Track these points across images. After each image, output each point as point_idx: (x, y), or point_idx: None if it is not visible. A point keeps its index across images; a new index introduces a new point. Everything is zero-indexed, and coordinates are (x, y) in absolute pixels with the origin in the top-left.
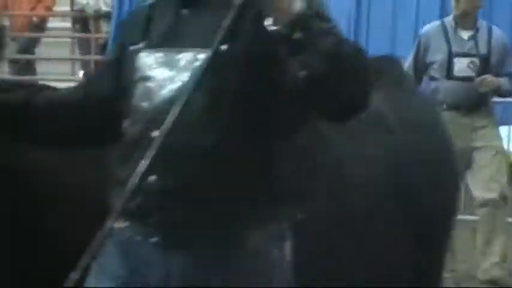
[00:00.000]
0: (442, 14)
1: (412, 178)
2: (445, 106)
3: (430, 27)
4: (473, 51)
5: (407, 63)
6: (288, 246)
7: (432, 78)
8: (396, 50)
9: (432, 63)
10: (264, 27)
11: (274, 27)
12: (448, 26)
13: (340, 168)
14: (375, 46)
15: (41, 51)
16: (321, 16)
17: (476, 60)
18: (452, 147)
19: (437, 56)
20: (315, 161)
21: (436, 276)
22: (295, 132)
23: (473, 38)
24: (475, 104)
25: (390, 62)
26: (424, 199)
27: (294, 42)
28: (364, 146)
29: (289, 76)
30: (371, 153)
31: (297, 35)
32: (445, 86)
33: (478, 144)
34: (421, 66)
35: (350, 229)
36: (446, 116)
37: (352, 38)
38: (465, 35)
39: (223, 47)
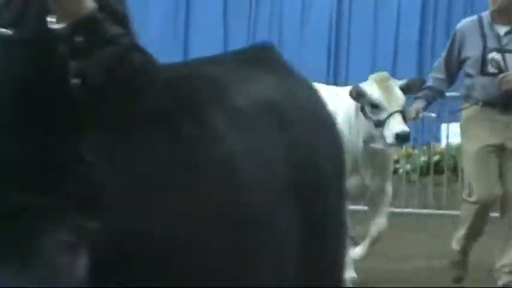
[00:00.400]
0: (423, 11)
1: (306, 170)
2: (480, 103)
3: (466, 22)
4: (509, 47)
5: (440, 59)
6: (81, 257)
7: (467, 75)
8: (377, 48)
9: (467, 59)
10: (45, 24)
11: (57, 26)
12: (485, 21)
13: (228, 164)
14: (356, 46)
15: None
16: (120, 21)
17: (498, 57)
18: (340, 135)
19: (472, 51)
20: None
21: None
22: (91, 133)
23: (510, 33)
24: (510, 101)
25: (270, 50)
26: (318, 190)
27: (75, 45)
28: (257, 138)
29: (67, 80)
30: (265, 145)
31: (79, 38)
32: (479, 83)
33: (509, 143)
34: (453, 62)
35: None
36: (482, 112)
37: (333, 35)
38: (502, 30)
39: (8, 32)
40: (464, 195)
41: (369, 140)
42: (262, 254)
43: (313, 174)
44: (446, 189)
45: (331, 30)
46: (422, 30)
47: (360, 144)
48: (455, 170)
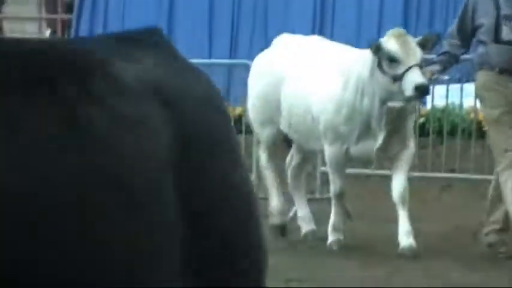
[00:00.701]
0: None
1: (189, 157)
2: (497, 69)
3: None
4: None
5: (452, 26)
6: None
7: (480, 42)
8: (362, 15)
9: (480, 26)
10: None
11: None
12: None
13: (111, 131)
14: (341, 11)
15: (8, 10)
16: None
17: None
18: (230, 121)
19: (485, 18)
20: None
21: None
22: None
23: None
24: None
25: (158, 34)
26: (202, 182)
27: None
28: (140, 111)
29: None
30: (147, 120)
31: None
32: (493, 50)
33: None
34: (466, 29)
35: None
36: (497, 78)
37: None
38: None
39: None
40: (499, 167)
41: (385, 96)
42: (148, 232)
43: (199, 152)
44: (431, 151)
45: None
46: None
47: (376, 104)
48: (440, 132)
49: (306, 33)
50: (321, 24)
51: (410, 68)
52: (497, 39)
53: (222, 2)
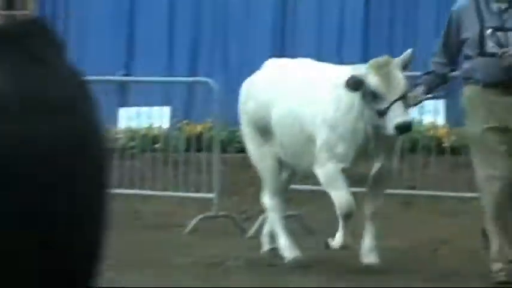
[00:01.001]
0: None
1: (35, 176)
2: (481, 84)
3: (462, 2)
4: (508, 25)
5: (438, 44)
6: None
7: (466, 57)
8: (323, 28)
9: (466, 40)
10: None
11: None
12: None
13: None
14: (302, 25)
15: None
16: None
17: (499, 33)
18: (97, 132)
19: (469, 32)
20: None
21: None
22: None
23: (506, 10)
24: (511, 82)
25: (34, 25)
26: (52, 203)
27: None
28: None
29: None
30: None
31: None
32: (479, 64)
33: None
34: (452, 45)
35: None
36: (482, 93)
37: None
38: (498, 8)
39: None
40: (480, 179)
41: (375, 127)
42: None
43: (43, 169)
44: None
45: (276, 9)
46: (367, 6)
47: (369, 129)
48: (400, 149)
49: (266, 51)
50: (282, 42)
51: (392, 103)
52: (482, 52)
53: (181, 20)
